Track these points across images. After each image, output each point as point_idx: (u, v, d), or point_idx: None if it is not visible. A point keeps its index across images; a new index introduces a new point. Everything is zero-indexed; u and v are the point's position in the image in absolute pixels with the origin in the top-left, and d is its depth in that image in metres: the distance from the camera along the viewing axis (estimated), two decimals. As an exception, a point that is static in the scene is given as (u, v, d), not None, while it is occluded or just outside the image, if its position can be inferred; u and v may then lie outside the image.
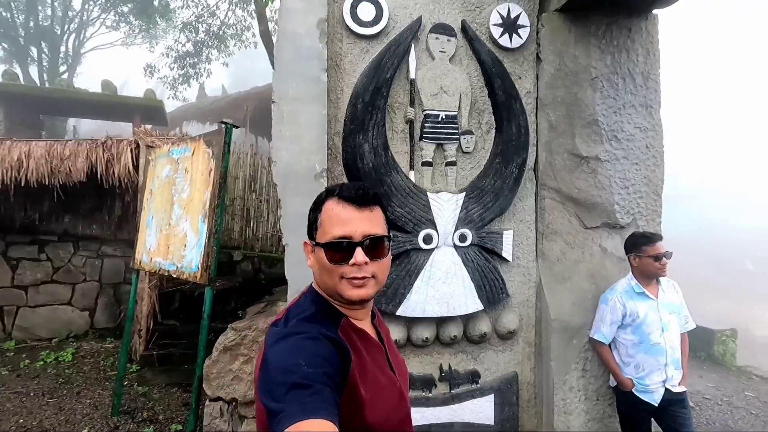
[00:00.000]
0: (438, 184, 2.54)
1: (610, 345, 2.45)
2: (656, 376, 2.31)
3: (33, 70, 13.46)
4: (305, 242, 1.02)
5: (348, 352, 0.89)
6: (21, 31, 13.11)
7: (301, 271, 2.29)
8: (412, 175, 2.48)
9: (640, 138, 2.71)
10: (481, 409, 2.61)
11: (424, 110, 2.49)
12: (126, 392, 3.72)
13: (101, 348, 5.01)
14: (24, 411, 3.46)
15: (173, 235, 3.00)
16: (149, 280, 4.51)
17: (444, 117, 2.51)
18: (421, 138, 2.50)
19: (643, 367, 2.33)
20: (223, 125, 2.73)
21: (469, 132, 2.57)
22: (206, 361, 2.34)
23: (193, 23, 11.52)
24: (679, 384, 2.34)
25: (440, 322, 2.52)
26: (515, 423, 2.68)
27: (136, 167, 4.66)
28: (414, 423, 1.04)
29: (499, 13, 2.60)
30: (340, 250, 0.93)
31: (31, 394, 3.76)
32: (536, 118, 2.74)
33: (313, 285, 1.03)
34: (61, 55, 13.95)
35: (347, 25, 2.42)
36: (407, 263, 2.41)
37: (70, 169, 4.54)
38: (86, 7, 14.03)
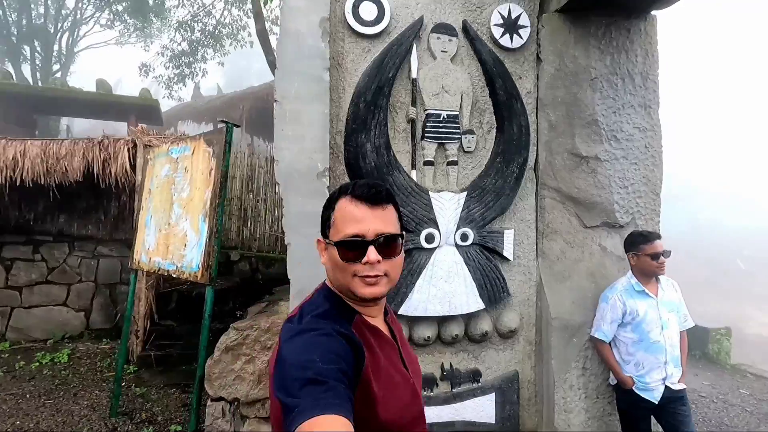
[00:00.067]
0: (440, 184, 2.55)
1: (610, 343, 2.47)
2: (656, 374, 2.33)
3: (26, 69, 13.32)
4: (318, 240, 1.02)
5: (361, 348, 0.90)
6: (13, 29, 12.97)
7: (303, 270, 2.28)
8: (414, 175, 2.49)
9: (639, 138, 2.73)
10: (482, 408, 2.62)
11: (426, 110, 2.50)
12: (124, 393, 3.69)
13: (97, 349, 4.96)
14: (20, 413, 3.43)
15: (173, 234, 2.98)
16: (146, 280, 4.48)
17: (445, 116, 2.52)
18: (422, 137, 2.51)
19: (643, 365, 2.35)
20: (224, 124, 2.71)
21: (471, 131, 2.58)
22: (208, 361, 2.33)
23: (189, 22, 11.47)
24: (678, 382, 2.36)
25: (442, 321, 2.53)
26: (516, 421, 2.69)
27: (133, 167, 4.63)
28: None
29: (500, 14, 2.61)
30: (352, 249, 0.94)
31: (27, 396, 3.72)
32: (536, 118, 2.75)
33: (326, 282, 1.03)
34: (54, 53, 13.81)
35: (349, 25, 2.42)
36: (409, 262, 2.42)
37: (66, 168, 4.50)
38: (80, 5, 13.91)
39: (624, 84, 2.68)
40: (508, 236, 2.63)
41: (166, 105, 12.58)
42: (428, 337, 2.48)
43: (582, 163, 2.68)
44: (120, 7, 13.21)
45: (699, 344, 5.81)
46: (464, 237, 2.49)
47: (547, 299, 2.66)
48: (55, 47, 13.86)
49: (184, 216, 2.89)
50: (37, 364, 4.42)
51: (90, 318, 5.46)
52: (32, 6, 13.32)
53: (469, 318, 2.57)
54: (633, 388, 2.36)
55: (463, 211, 2.50)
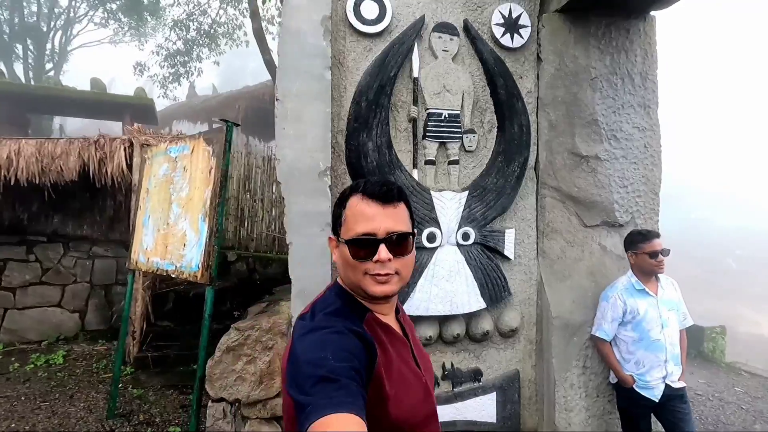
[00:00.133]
0: (441, 183, 2.54)
1: (610, 342, 2.48)
2: (656, 372, 2.35)
3: (18, 68, 13.18)
4: (330, 237, 1.02)
5: (374, 346, 0.89)
6: (5, 27, 12.82)
7: (304, 270, 2.27)
8: (415, 174, 2.49)
9: (639, 138, 2.75)
10: (484, 407, 2.62)
11: (428, 109, 2.50)
12: (121, 395, 3.66)
13: (93, 350, 4.91)
14: (15, 415, 3.38)
15: (171, 234, 2.96)
16: (142, 280, 4.44)
17: (447, 116, 2.52)
18: (424, 136, 2.50)
19: (644, 363, 2.37)
20: (224, 123, 2.70)
21: (472, 131, 2.59)
22: (209, 362, 2.31)
23: (184, 21, 11.40)
24: (678, 380, 2.38)
25: (443, 320, 2.53)
26: (517, 420, 2.69)
27: (129, 166, 4.59)
28: None
29: (501, 13, 2.61)
30: (363, 247, 0.93)
31: (22, 398, 3.67)
32: (537, 118, 2.76)
33: (337, 279, 1.03)
34: (47, 52, 13.67)
35: (350, 23, 2.41)
36: (411, 262, 2.41)
37: (61, 167, 4.45)
38: (73, 3, 13.78)
39: (623, 84, 2.69)
40: (509, 235, 2.63)
41: (160, 104, 12.49)
42: (429, 336, 2.48)
43: (582, 163, 2.69)
44: (114, 6, 13.10)
45: (694, 343, 5.85)
46: (466, 236, 2.49)
47: (548, 298, 2.67)
48: (48, 46, 13.72)
49: (183, 215, 2.87)
50: (32, 365, 4.37)
51: (85, 319, 5.40)
52: (25, 4, 13.18)
53: (470, 317, 2.57)
54: (633, 386, 2.37)
55: (464, 210, 2.50)
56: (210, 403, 2.32)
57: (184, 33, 11.55)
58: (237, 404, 2.31)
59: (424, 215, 2.43)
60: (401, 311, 1.09)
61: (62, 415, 3.42)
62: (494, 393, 2.64)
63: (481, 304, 2.51)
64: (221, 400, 2.30)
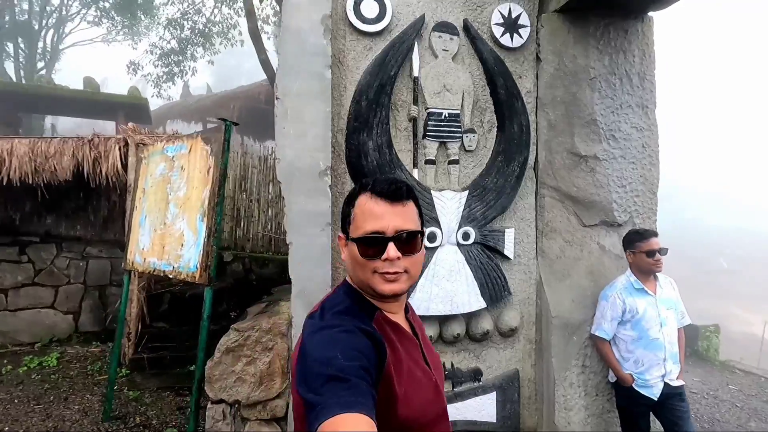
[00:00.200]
0: (441, 182, 2.54)
1: (609, 341, 2.49)
2: (655, 370, 2.36)
3: (9, 66, 13.01)
4: (339, 236, 1.01)
5: (383, 345, 0.89)
6: (-4, 25, 12.67)
7: (304, 270, 2.26)
8: (415, 173, 2.48)
9: (637, 137, 2.76)
10: (484, 407, 2.62)
11: (428, 108, 2.49)
12: (116, 397, 3.62)
13: (87, 352, 4.85)
14: (9, 418, 3.33)
15: (169, 234, 2.93)
16: (137, 281, 4.39)
17: (447, 115, 2.51)
18: (424, 136, 2.50)
19: (643, 362, 2.38)
20: (223, 122, 2.68)
21: (472, 130, 2.59)
22: (208, 363, 2.29)
23: (178, 20, 11.32)
24: (677, 378, 2.39)
25: (443, 320, 2.52)
26: (516, 420, 2.70)
27: (124, 166, 4.54)
28: None
29: (501, 13, 2.62)
30: (372, 245, 0.93)
31: (16, 401, 3.62)
32: (536, 117, 2.77)
33: (347, 278, 1.02)
34: (39, 51, 13.51)
35: (350, 22, 2.40)
36: (411, 261, 2.40)
37: (55, 167, 4.40)
38: (65, 1, 13.63)
39: (622, 84, 2.70)
40: (509, 235, 2.64)
41: (154, 104, 12.39)
42: (430, 336, 2.47)
43: (581, 162, 2.70)
44: (107, 4, 12.98)
45: (688, 341, 5.87)
46: (466, 236, 2.49)
47: (547, 298, 2.67)
48: (40, 44, 13.56)
49: (181, 215, 2.84)
50: (25, 368, 4.31)
51: (79, 321, 5.34)
52: (16, 2, 13.02)
53: (470, 317, 2.57)
54: (632, 385, 2.38)
55: (464, 209, 2.50)
56: (209, 405, 2.30)
57: (179, 32, 11.46)
58: (236, 406, 2.29)
59: (424, 215, 2.42)
60: (410, 310, 1.09)
61: (57, 417, 3.38)
62: (494, 392, 2.64)
63: (481, 303, 2.51)
64: (220, 401, 2.28)
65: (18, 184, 4.48)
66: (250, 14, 8.08)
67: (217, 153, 2.62)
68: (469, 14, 2.61)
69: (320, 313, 0.94)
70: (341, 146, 2.41)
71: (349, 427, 0.70)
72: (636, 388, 2.38)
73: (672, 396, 2.36)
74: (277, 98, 2.25)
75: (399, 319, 1.01)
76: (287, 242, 2.25)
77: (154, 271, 3.06)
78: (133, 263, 3.34)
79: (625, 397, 2.46)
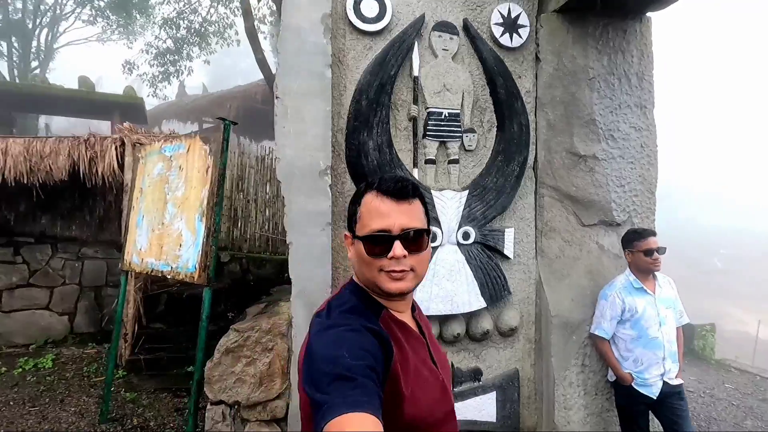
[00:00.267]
0: (441, 182, 2.54)
1: (609, 340, 2.49)
2: (654, 369, 2.37)
3: (3, 65, 12.90)
4: (345, 234, 1.01)
5: (390, 344, 0.88)
6: (-11, 24, 12.55)
7: (304, 269, 2.25)
8: (416, 173, 2.48)
9: (636, 137, 2.77)
10: (483, 407, 2.62)
11: (428, 108, 2.49)
12: (113, 398, 3.58)
13: (83, 354, 4.81)
14: (4, 421, 3.29)
15: (167, 234, 2.91)
16: (134, 282, 4.36)
17: (447, 115, 2.51)
18: (424, 135, 2.50)
19: (642, 361, 2.38)
20: (221, 121, 2.66)
21: (472, 130, 2.59)
22: (207, 364, 2.27)
23: (174, 19, 11.26)
24: (675, 377, 2.40)
25: (443, 320, 2.52)
26: (516, 419, 2.70)
27: (120, 166, 4.51)
28: None
29: (500, 13, 2.62)
30: (378, 244, 0.92)
31: (11, 403, 3.58)
32: (535, 117, 2.77)
33: (353, 277, 1.01)
34: (33, 50, 13.40)
35: (350, 21, 2.40)
36: (412, 261, 2.40)
37: (50, 167, 4.35)
38: (59, 1, 13.53)
39: (621, 84, 2.71)
40: (509, 235, 2.64)
41: (149, 104, 12.31)
42: (430, 336, 2.47)
43: (580, 162, 2.71)
44: (102, 3, 12.89)
45: (684, 340, 5.95)
46: (466, 235, 2.49)
47: (547, 297, 2.68)
48: (34, 43, 13.45)
49: (179, 215, 2.82)
50: (20, 370, 4.26)
51: (74, 322, 5.29)
52: (9, 0, 12.90)
53: (470, 317, 2.57)
54: (632, 384, 2.39)
55: (464, 209, 2.50)
56: (208, 406, 2.28)
57: (174, 31, 11.40)
58: (236, 407, 2.28)
59: (424, 214, 2.42)
60: (417, 309, 1.08)
61: (53, 419, 3.34)
62: (494, 392, 2.64)
63: (481, 303, 2.51)
64: (220, 402, 2.26)
65: (13, 184, 4.43)
66: (247, 14, 8.05)
67: (215, 152, 2.61)
68: (468, 14, 2.61)
69: (327, 311, 0.94)
70: (341, 146, 2.41)
71: (355, 427, 0.69)
72: (635, 387, 2.39)
73: (671, 395, 2.37)
74: (276, 97, 2.24)
75: (406, 317, 1.00)
76: (287, 242, 2.24)
77: (152, 271, 3.04)
78: (130, 264, 3.32)
79: (625, 396, 2.46)
